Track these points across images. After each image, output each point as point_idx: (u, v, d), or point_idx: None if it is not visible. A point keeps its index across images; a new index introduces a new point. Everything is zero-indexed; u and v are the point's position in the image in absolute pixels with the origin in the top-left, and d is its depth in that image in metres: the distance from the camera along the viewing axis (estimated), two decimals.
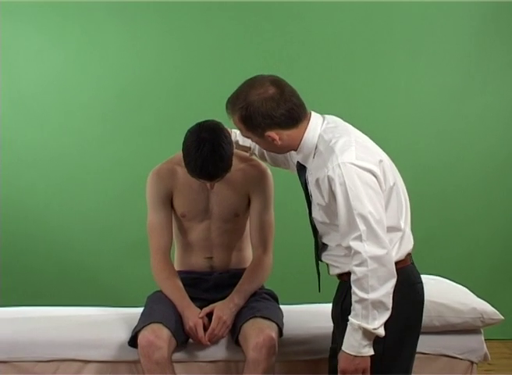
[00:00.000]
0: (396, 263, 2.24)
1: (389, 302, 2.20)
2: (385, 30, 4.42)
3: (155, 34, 4.39)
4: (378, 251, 2.17)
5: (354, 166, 2.20)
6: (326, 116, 2.39)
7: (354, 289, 2.20)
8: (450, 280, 3.23)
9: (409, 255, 2.38)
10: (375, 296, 2.18)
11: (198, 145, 2.52)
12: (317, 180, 2.29)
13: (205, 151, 2.51)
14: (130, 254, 4.30)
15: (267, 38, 4.41)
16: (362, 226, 2.18)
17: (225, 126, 2.64)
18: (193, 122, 4.29)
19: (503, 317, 2.89)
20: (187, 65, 4.42)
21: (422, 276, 2.45)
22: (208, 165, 2.52)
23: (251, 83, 2.31)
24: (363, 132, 2.42)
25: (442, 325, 2.81)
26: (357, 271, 2.19)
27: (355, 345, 2.22)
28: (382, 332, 2.21)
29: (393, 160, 2.41)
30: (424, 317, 2.44)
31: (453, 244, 4.52)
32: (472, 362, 2.86)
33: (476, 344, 2.87)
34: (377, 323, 2.19)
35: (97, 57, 4.39)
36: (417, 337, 2.42)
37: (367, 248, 2.17)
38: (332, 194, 2.24)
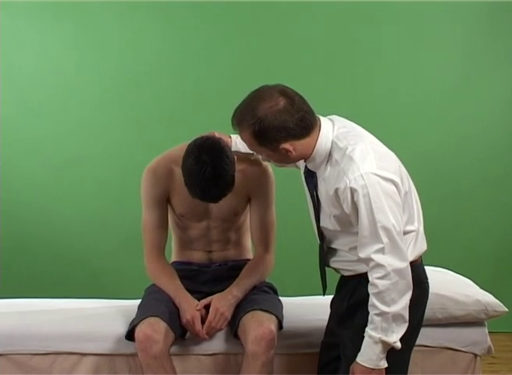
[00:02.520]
0: (410, 260, 2.26)
1: (407, 315, 2.22)
2: (387, 18, 4.40)
3: (154, 24, 4.37)
4: (400, 264, 2.18)
5: (377, 177, 2.17)
6: (333, 118, 2.34)
7: (375, 302, 2.20)
8: (454, 271, 3.21)
9: (423, 252, 2.38)
10: (395, 309, 2.19)
11: (199, 169, 2.42)
12: (336, 191, 2.24)
13: (207, 175, 2.41)
14: (128, 245, 4.30)
15: (266, 27, 4.39)
16: (385, 239, 2.17)
17: (225, 140, 2.55)
18: (192, 113, 4.39)
19: (507, 309, 2.87)
20: (186, 55, 4.40)
21: (426, 267, 2.44)
22: (210, 189, 2.45)
23: (259, 96, 2.22)
24: (366, 122, 2.39)
25: (445, 317, 2.78)
26: (380, 284, 2.18)
27: (373, 358, 2.23)
28: (399, 345, 2.22)
29: (396, 150, 2.38)
30: (426, 309, 2.44)
31: (457, 236, 4.52)
32: (476, 355, 2.83)
33: (480, 337, 2.83)
34: (395, 336, 2.21)
35: (95, 47, 4.37)
36: (418, 334, 2.42)
37: (390, 261, 2.17)
38: (354, 205, 2.20)
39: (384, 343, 2.21)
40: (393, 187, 2.20)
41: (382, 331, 2.20)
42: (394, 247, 2.18)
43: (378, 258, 2.18)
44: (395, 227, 2.17)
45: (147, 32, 4.38)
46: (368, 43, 4.41)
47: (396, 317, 2.20)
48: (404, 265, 2.18)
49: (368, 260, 2.20)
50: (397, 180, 2.22)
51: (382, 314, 2.19)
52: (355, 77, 4.43)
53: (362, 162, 2.18)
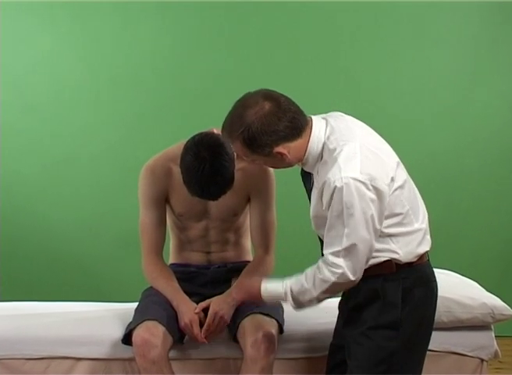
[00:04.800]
0: (414, 261, 2.28)
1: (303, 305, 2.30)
2: (390, 14, 4.37)
3: (149, 18, 4.34)
4: (351, 277, 2.19)
5: (356, 182, 2.13)
6: (329, 117, 2.30)
7: (317, 278, 2.22)
8: (459, 274, 3.17)
9: (426, 252, 2.35)
10: (313, 296, 2.25)
11: (198, 166, 2.38)
12: (319, 191, 2.22)
13: (206, 172, 2.38)
14: (124, 246, 4.26)
15: (268, 24, 4.36)
16: (345, 245, 2.18)
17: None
18: (188, 110, 4.35)
19: None
20: (184, 52, 4.37)
21: None
22: (209, 187, 2.41)
23: (243, 104, 2.20)
24: (369, 123, 2.34)
25: (450, 321, 2.75)
26: (328, 278, 2.20)
27: (272, 294, 2.33)
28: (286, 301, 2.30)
29: (399, 149, 2.33)
30: None
31: (463, 237, 4.48)
32: (482, 360, 2.79)
33: (486, 341, 2.79)
34: (290, 299, 2.28)
35: (89, 41, 4.34)
36: (429, 337, 2.39)
37: (344, 267, 2.19)
38: (329, 206, 2.18)
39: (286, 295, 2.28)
40: (373, 196, 2.15)
41: (297, 292, 2.26)
42: (353, 257, 2.18)
43: (334, 259, 2.19)
44: (363, 240, 2.16)
45: (145, 30, 4.35)
46: (372, 42, 4.39)
47: (307, 299, 2.26)
48: (353, 278, 2.19)
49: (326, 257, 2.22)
50: (382, 186, 2.17)
51: (306, 290, 2.24)
52: (358, 77, 4.40)
53: (345, 164, 2.15)
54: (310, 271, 2.25)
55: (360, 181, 2.13)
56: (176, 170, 2.58)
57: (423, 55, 4.39)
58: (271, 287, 2.33)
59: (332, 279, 2.19)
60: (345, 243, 2.16)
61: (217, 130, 2.56)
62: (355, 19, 4.36)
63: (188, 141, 2.48)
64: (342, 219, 2.15)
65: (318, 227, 2.31)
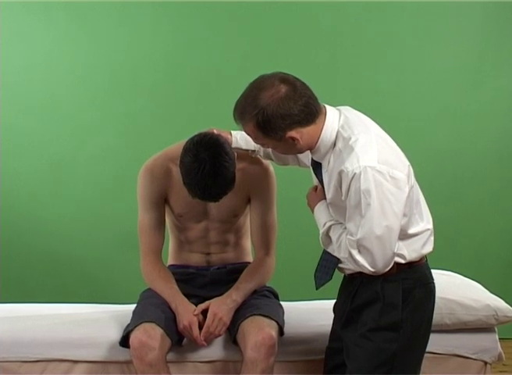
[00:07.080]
0: (413, 262, 2.26)
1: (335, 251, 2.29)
2: (393, 10, 4.34)
3: (148, 17, 4.31)
4: (370, 268, 2.18)
5: (374, 171, 2.12)
6: (341, 108, 2.30)
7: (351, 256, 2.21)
8: (462, 275, 3.15)
9: (428, 253, 2.35)
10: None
11: (198, 168, 2.35)
12: (334, 180, 2.21)
13: (206, 174, 2.35)
14: (123, 246, 4.24)
15: (269, 23, 4.33)
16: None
17: (224, 136, 2.49)
18: (187, 110, 4.32)
19: None
20: (181, 49, 4.34)
21: (433, 271, 2.40)
22: (210, 188, 2.38)
23: (259, 86, 2.18)
24: (371, 117, 2.33)
25: (453, 323, 2.72)
26: (360, 263, 2.19)
27: (321, 221, 2.34)
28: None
29: (402, 148, 2.32)
30: (434, 315, 2.39)
31: (465, 238, 4.45)
32: (486, 363, 2.77)
33: (490, 344, 2.77)
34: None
35: (88, 41, 4.32)
36: (428, 337, 2.37)
37: (360, 259, 2.19)
38: (347, 195, 2.17)
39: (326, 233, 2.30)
40: (391, 187, 2.13)
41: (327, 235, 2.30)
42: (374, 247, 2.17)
43: (352, 250, 2.19)
44: (385, 228, 2.13)
45: (143, 29, 4.32)
46: (374, 41, 4.36)
47: (330, 248, 2.31)
48: (373, 270, 2.18)
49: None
50: (400, 175, 2.15)
51: (333, 244, 2.27)
52: (360, 75, 4.37)
53: (363, 154, 2.13)
54: (344, 236, 2.23)
55: (378, 171, 2.12)
56: (176, 170, 2.56)
57: (425, 55, 4.37)
58: (322, 212, 2.33)
59: (354, 265, 2.20)
60: (360, 234, 2.14)
61: (217, 130, 2.54)
62: (357, 18, 4.33)
63: (187, 142, 2.45)
64: (360, 209, 2.13)
65: (335, 215, 2.30)
